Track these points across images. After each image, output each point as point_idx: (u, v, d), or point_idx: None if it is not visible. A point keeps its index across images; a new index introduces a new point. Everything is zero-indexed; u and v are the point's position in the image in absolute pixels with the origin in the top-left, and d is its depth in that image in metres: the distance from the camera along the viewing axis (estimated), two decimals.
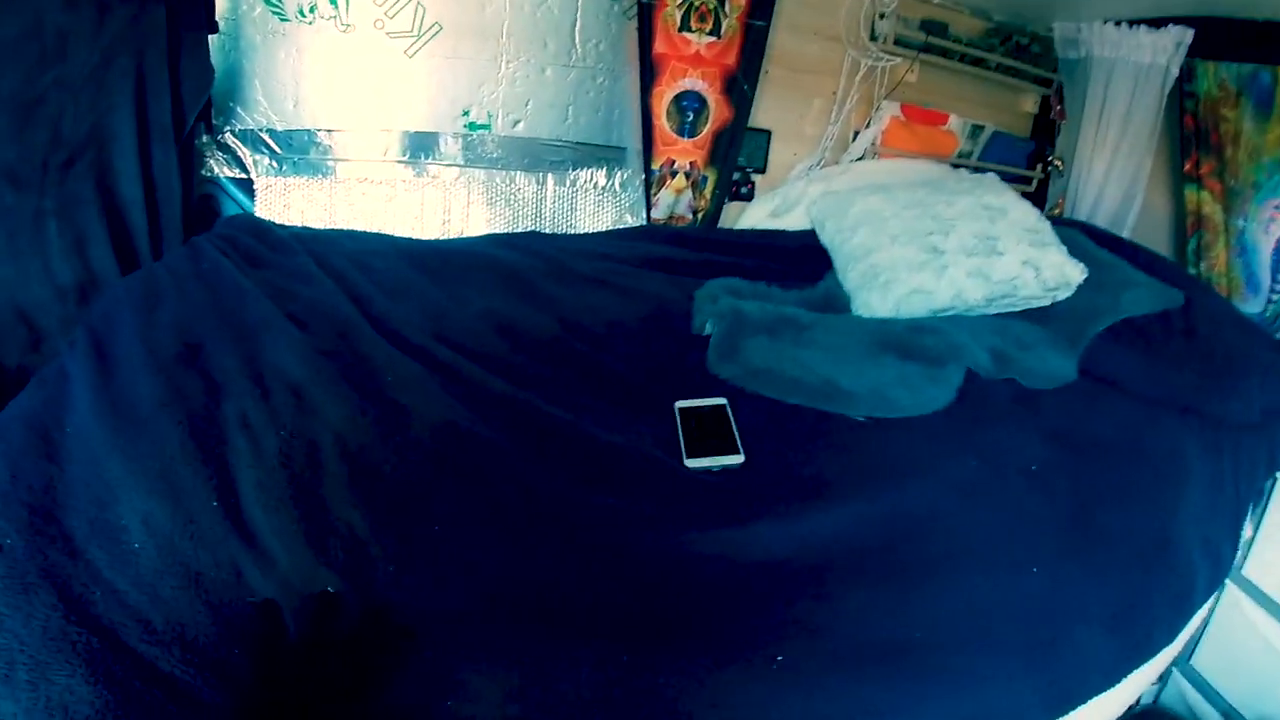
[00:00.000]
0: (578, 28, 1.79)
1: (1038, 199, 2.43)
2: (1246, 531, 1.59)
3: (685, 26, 1.82)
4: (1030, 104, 2.34)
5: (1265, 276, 1.91)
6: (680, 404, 1.23)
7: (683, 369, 1.32)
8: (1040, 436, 1.24)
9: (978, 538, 1.03)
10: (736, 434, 1.14)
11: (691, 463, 1.10)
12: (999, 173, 2.21)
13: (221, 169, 1.69)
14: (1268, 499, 1.55)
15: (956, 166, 2.21)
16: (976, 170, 2.15)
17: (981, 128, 2.26)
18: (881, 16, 1.95)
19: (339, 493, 0.85)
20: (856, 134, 2.07)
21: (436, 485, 0.90)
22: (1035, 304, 1.62)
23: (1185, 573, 1.26)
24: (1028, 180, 2.40)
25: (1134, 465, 1.27)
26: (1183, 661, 1.74)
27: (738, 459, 1.10)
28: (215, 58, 1.62)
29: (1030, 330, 1.53)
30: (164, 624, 0.71)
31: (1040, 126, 2.39)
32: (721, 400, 1.23)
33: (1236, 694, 1.62)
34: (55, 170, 1.34)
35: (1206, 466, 1.37)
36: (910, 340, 1.38)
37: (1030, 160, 2.38)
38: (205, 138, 1.68)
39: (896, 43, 2.01)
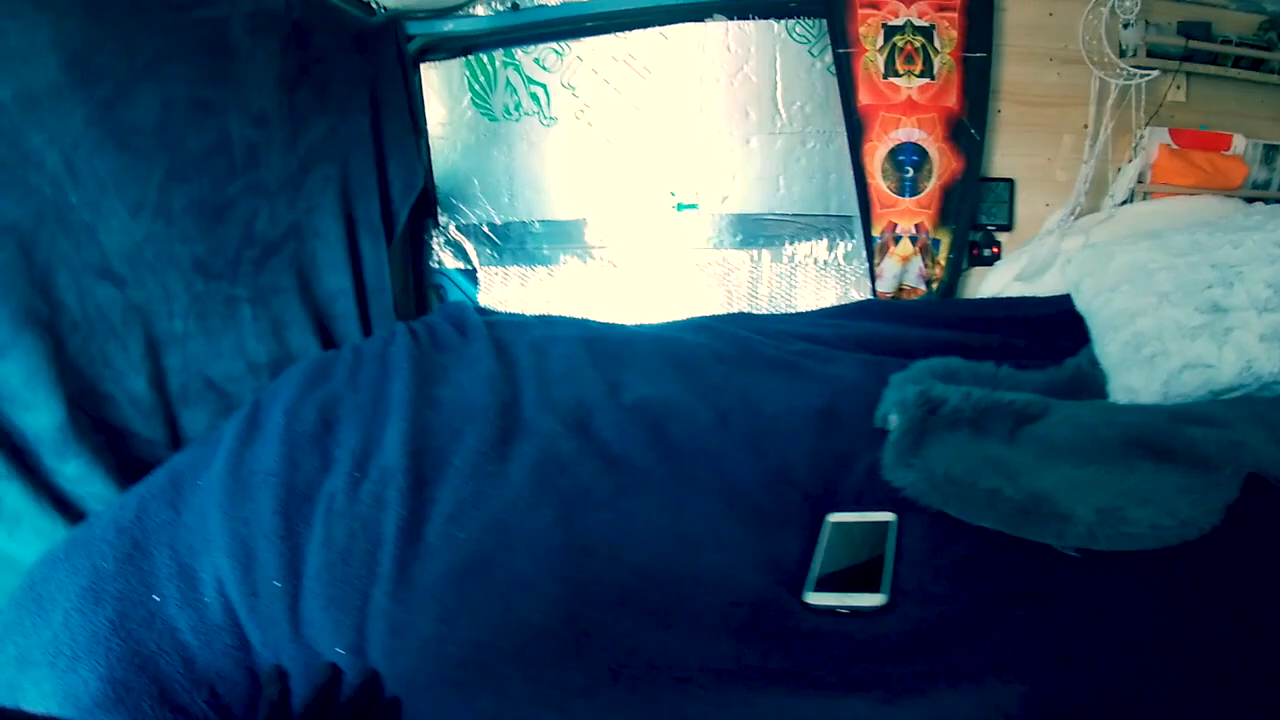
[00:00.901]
0: (778, 92, 1.84)
1: None
2: None
3: (891, 71, 1.76)
4: None
5: None
6: (832, 517, 1.06)
7: (850, 475, 1.15)
8: None
9: None
10: (889, 565, 0.92)
11: (812, 598, 0.90)
12: None
13: (449, 261, 2.12)
14: None
15: (1252, 200, 1.89)
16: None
17: (1276, 148, 1.95)
18: (1126, 25, 1.77)
19: (384, 590, 0.92)
20: (1119, 171, 1.87)
21: (480, 594, 0.90)
22: None
23: None
24: None
25: None
26: None
27: (877, 599, 0.87)
28: (436, 159, 2.02)
29: None
30: (202, 669, 0.87)
31: None
32: (888, 516, 1.02)
33: None
34: (249, 263, 1.66)
35: None
36: (1173, 434, 1.07)
37: None
38: (432, 233, 2.12)
39: (1151, 54, 1.80)
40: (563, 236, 2.03)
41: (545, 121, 1.95)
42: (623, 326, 1.79)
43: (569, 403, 1.34)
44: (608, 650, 0.83)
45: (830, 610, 0.88)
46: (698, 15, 1.86)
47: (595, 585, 0.93)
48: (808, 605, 0.90)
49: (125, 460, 1.45)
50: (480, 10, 1.94)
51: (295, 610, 0.95)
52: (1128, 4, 1.78)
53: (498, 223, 2.05)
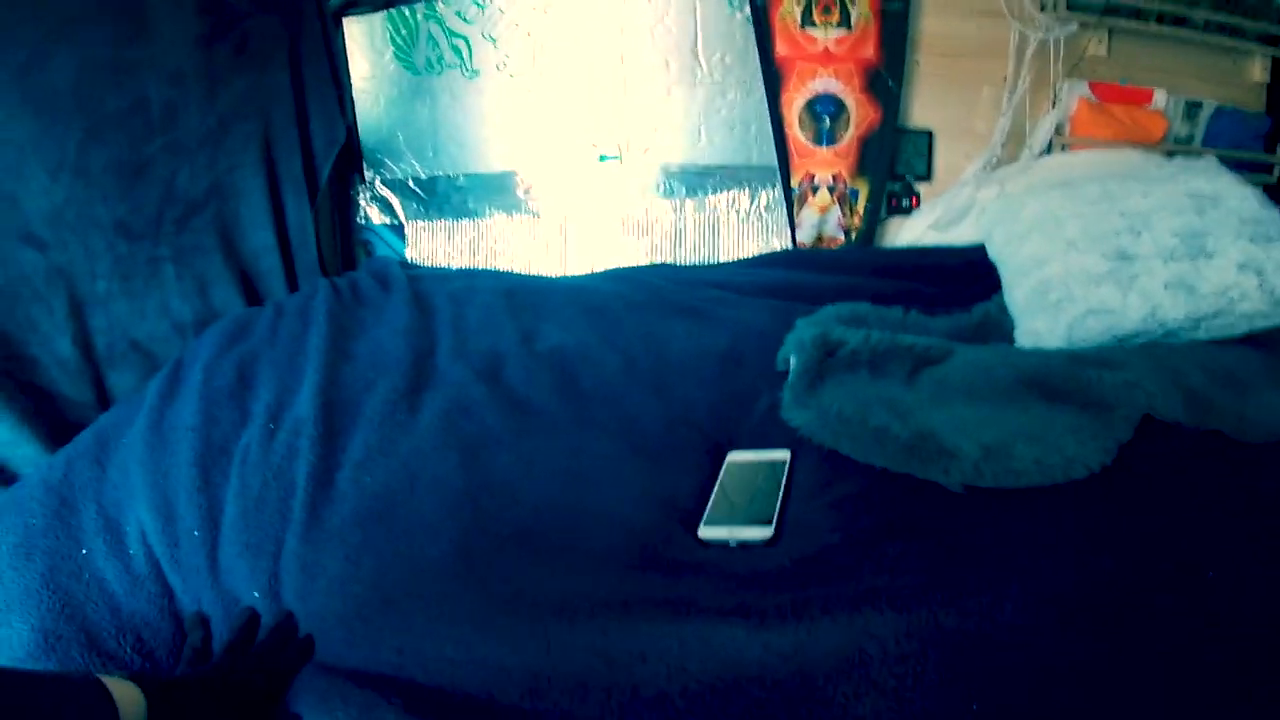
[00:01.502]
0: (698, 43, 1.92)
1: None
2: None
3: (808, 21, 1.86)
4: (1259, 71, 2.15)
5: None
6: (733, 455, 1.16)
7: (750, 414, 1.27)
8: (1238, 525, 0.93)
9: (1088, 683, 0.75)
10: (779, 501, 1.01)
11: (706, 531, 1.00)
12: (1227, 159, 1.99)
13: (375, 216, 2.23)
14: None
15: (1172, 155, 2.01)
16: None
17: (1199, 104, 2.07)
18: None
19: (296, 534, 1.02)
20: (1038, 123, 1.97)
21: (385, 535, 0.99)
22: (1261, 324, 1.38)
23: None
24: (1268, 168, 2.16)
25: None
26: None
27: (763, 533, 0.95)
28: (361, 115, 2.08)
29: (1251, 361, 1.30)
30: (128, 617, 0.97)
31: (1277, 99, 2.19)
32: (784, 454, 1.12)
33: None
34: (170, 223, 1.74)
35: None
36: (1071, 376, 1.15)
37: (1268, 142, 2.18)
38: (359, 188, 2.22)
39: (1072, 7, 1.89)
40: (488, 189, 2.12)
41: (467, 74, 2.04)
42: (543, 278, 1.88)
43: (482, 352, 1.44)
44: (502, 585, 0.92)
45: (721, 544, 0.97)
46: None
47: (493, 524, 1.02)
48: (699, 539, 0.98)
49: (53, 423, 1.54)
50: None
51: (214, 558, 1.04)
52: None
53: (423, 177, 2.15)
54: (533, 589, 0.90)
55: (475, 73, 2.05)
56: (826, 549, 0.92)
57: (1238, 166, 2.05)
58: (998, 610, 0.80)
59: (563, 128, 2.06)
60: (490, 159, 2.13)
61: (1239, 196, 1.51)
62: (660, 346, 1.43)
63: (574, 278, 1.88)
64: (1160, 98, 2.02)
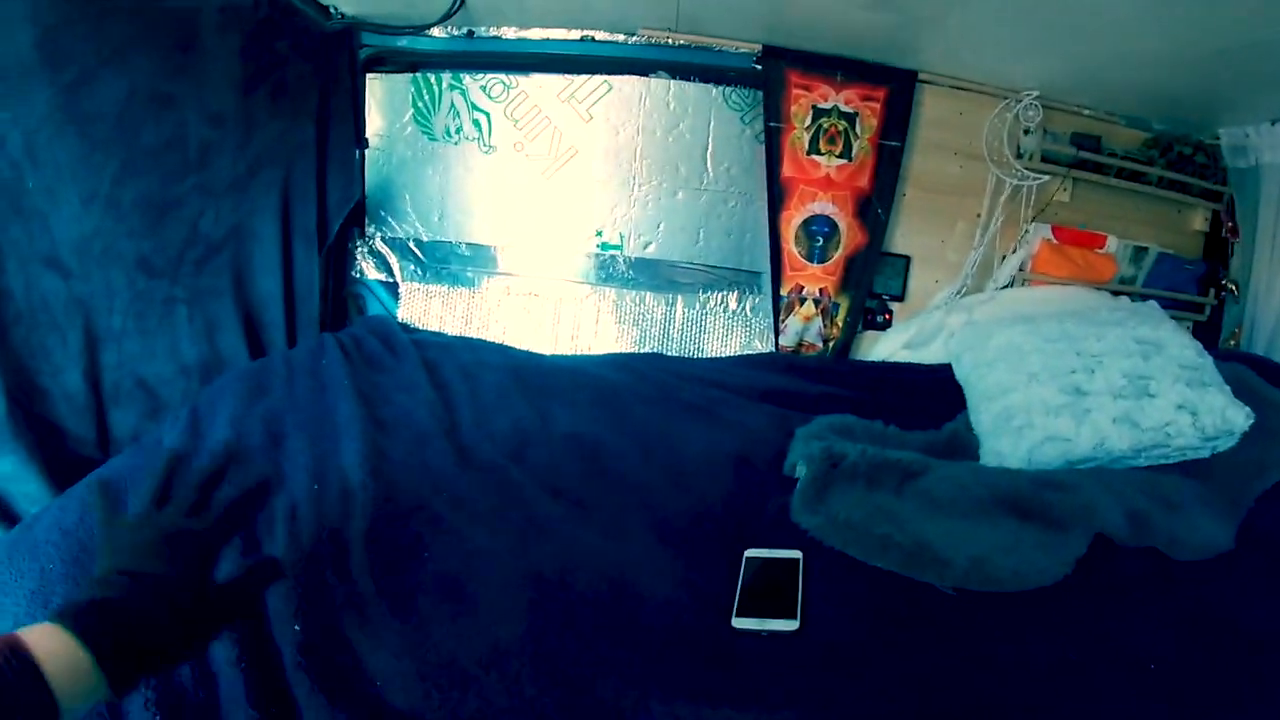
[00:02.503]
0: (709, 152, 2.25)
1: (1212, 329, 2.61)
2: None
3: (814, 149, 2.18)
4: (1199, 221, 2.58)
5: None
6: (750, 553, 1.36)
7: (763, 515, 1.49)
8: (1173, 623, 1.27)
9: None
10: (800, 595, 1.25)
11: (739, 622, 1.22)
12: (1166, 299, 2.42)
13: (370, 272, 2.44)
14: None
15: (1118, 294, 2.42)
16: (1142, 298, 2.37)
17: (1145, 250, 2.50)
18: (1027, 132, 2.24)
19: (354, 598, 1.14)
20: (1004, 259, 2.35)
21: (451, 612, 1.15)
22: (1191, 455, 1.71)
23: None
24: (1199, 308, 2.60)
25: None
26: None
27: (791, 624, 1.21)
28: (369, 170, 2.28)
29: (1183, 488, 1.61)
30: None
31: (1212, 246, 2.61)
32: (795, 554, 1.36)
33: None
34: (190, 263, 1.86)
35: None
36: (1033, 497, 1.47)
37: (1202, 284, 2.60)
38: (358, 242, 2.41)
39: (1045, 159, 2.27)
40: (489, 261, 2.38)
41: (484, 149, 2.31)
42: (544, 356, 2.11)
43: (504, 432, 1.62)
44: (569, 665, 1.10)
45: (755, 634, 1.20)
46: (643, 70, 2.24)
47: (552, 605, 1.19)
48: (734, 629, 1.20)
49: (56, 459, 1.58)
50: (437, 32, 2.23)
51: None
52: (1030, 113, 2.23)
53: (425, 240, 2.38)
54: (592, 668, 1.09)
55: (492, 148, 2.32)
56: (848, 638, 1.20)
57: (1175, 306, 2.52)
58: (991, 687, 1.12)
59: (570, 213, 2.33)
60: (496, 233, 2.38)
61: (1179, 344, 1.84)
62: (675, 442, 1.66)
63: (574, 359, 2.11)
64: (1112, 243, 2.43)
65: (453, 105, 2.32)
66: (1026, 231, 2.34)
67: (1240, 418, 1.71)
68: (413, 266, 2.43)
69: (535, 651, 1.12)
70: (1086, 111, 2.40)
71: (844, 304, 2.31)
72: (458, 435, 1.61)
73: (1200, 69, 2.00)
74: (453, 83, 2.31)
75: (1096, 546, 1.40)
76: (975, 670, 1.15)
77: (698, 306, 2.37)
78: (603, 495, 1.47)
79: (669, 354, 2.34)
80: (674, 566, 1.32)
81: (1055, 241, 2.38)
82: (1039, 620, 1.25)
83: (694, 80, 2.25)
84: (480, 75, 2.30)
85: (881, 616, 1.24)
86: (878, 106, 2.21)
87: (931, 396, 1.96)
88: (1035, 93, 2.24)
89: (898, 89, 2.21)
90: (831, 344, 2.35)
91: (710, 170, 2.28)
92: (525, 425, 1.66)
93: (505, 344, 2.22)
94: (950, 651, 1.18)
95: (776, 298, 2.28)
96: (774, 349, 2.33)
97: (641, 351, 2.29)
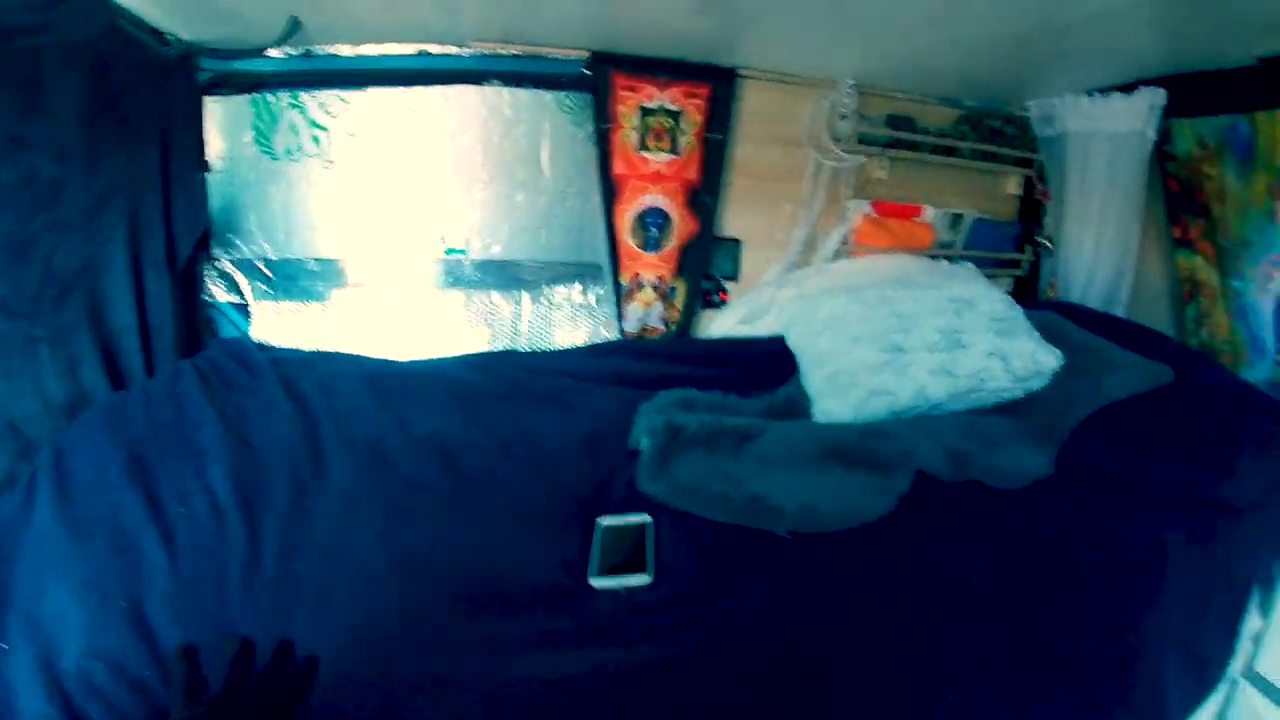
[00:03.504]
0: (545, 154, 2.46)
1: (1031, 282, 3.04)
2: (1255, 623, 1.86)
3: (643, 146, 2.42)
4: (1013, 186, 3.01)
5: (1269, 338, 2.39)
6: (603, 521, 1.56)
7: (613, 488, 1.68)
8: (992, 544, 1.51)
9: (887, 664, 1.29)
10: (650, 553, 1.45)
11: (597, 582, 1.41)
12: (985, 259, 2.84)
13: (221, 295, 2.52)
14: (1278, 587, 1.83)
15: (939, 259, 2.76)
16: (962, 260, 2.76)
17: (960, 216, 2.88)
18: (843, 118, 2.52)
19: (237, 608, 1.30)
20: (828, 236, 2.66)
21: (321, 608, 1.31)
22: (1007, 396, 1.99)
23: (1153, 688, 1.46)
24: (1016, 264, 3.06)
25: (1101, 571, 1.51)
26: None
27: (644, 579, 1.41)
28: (213, 192, 2.34)
29: (1001, 426, 1.88)
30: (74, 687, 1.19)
31: (1027, 208, 3.07)
32: (644, 518, 1.57)
33: None
34: (48, 301, 1.92)
35: (1194, 563, 1.62)
36: (860, 446, 1.70)
37: (1019, 243, 3.05)
38: (206, 265, 2.47)
39: (862, 141, 2.55)
40: (338, 274, 2.54)
41: (326, 165, 2.47)
42: (399, 363, 2.24)
43: (364, 438, 1.76)
44: (439, 639, 1.27)
45: (612, 591, 1.38)
46: (477, 79, 2.44)
47: (420, 591, 1.37)
48: (592, 587, 1.37)
49: None
50: (274, 52, 2.36)
51: (143, 633, 1.28)
52: (845, 101, 2.50)
53: (273, 258, 2.51)
54: (457, 641, 1.26)
55: (333, 163, 2.48)
56: (692, 586, 1.40)
57: (997, 264, 2.91)
58: (823, 615, 1.35)
59: (415, 221, 2.51)
60: (342, 246, 2.52)
61: (989, 300, 2.14)
62: (528, 433, 1.83)
63: (429, 363, 2.26)
64: (929, 212, 2.78)
65: (292, 123, 2.47)
66: (847, 209, 2.66)
67: (1050, 359, 2.00)
68: (262, 286, 2.54)
69: (403, 631, 1.28)
70: (900, 95, 2.73)
71: (681, 288, 2.59)
72: (319, 447, 1.74)
73: (1004, 52, 2.29)
74: (291, 101, 2.45)
75: (923, 485, 1.64)
76: (808, 601, 1.36)
77: (544, 302, 2.61)
78: (464, 490, 1.64)
79: (520, 350, 2.54)
80: (535, 544, 1.51)
81: (875, 215, 2.69)
82: (867, 552, 1.47)
83: (527, 87, 2.47)
84: (319, 92, 2.45)
85: (723, 563, 1.46)
86: (701, 103, 2.47)
87: (767, 365, 2.20)
88: (850, 81, 2.53)
89: (719, 86, 2.47)
90: (673, 326, 2.61)
91: (547, 171, 2.53)
92: (384, 431, 1.80)
93: (360, 354, 2.36)
94: (785, 586, 1.39)
95: (617, 287, 2.52)
96: (620, 335, 2.57)
97: (494, 350, 2.48)
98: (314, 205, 2.54)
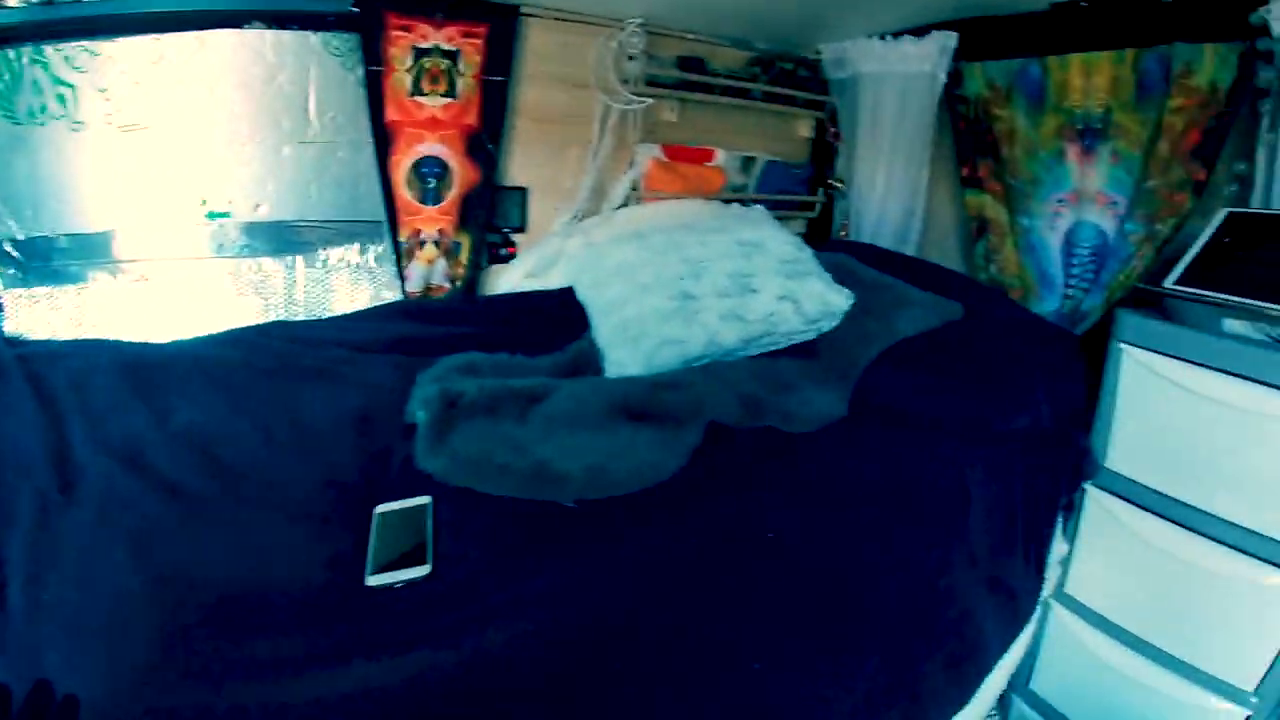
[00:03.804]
0: (312, 102, 2.32)
1: (825, 223, 3.14)
2: (1061, 548, 2.01)
3: (417, 90, 2.30)
4: (805, 129, 3.08)
5: (1058, 272, 2.56)
6: (380, 508, 1.43)
7: (390, 470, 1.57)
8: (788, 495, 1.48)
9: (686, 634, 1.22)
10: (430, 540, 1.35)
11: (373, 579, 1.28)
12: (779, 201, 2.88)
13: None
14: (1079, 509, 1.98)
15: (731, 202, 2.79)
16: (754, 203, 2.77)
17: (753, 159, 2.92)
18: (631, 58, 2.48)
19: None
20: (617, 181, 2.63)
21: (74, 642, 1.18)
22: (800, 338, 2.01)
23: (965, 630, 1.48)
24: (810, 206, 3.16)
25: (901, 512, 1.52)
26: (1021, 686, 2.13)
27: (423, 570, 1.30)
28: None
29: (792, 368, 1.90)
30: None
31: (819, 150, 3.16)
32: (424, 500, 1.46)
33: (1079, 713, 2.04)
34: None
35: (992, 496, 1.68)
36: (650, 399, 1.65)
37: (810, 185, 3.15)
38: None
39: (650, 83, 2.51)
40: (92, 250, 2.35)
41: (73, 126, 2.28)
42: (159, 346, 2.07)
43: (120, 438, 1.61)
44: (199, 667, 1.14)
45: (388, 587, 1.26)
46: (236, 22, 2.29)
47: (178, 613, 1.22)
48: (369, 588, 1.25)
49: None
50: (12, 1, 2.13)
51: None
52: (635, 40, 2.46)
53: (20, 238, 2.31)
54: (223, 669, 1.14)
55: (81, 124, 2.28)
56: (476, 572, 1.29)
57: (789, 206, 2.97)
58: (618, 589, 1.27)
59: (172, 184, 2.35)
60: (94, 218, 2.33)
61: (779, 242, 2.16)
62: (295, 414, 1.71)
63: (192, 342, 2.11)
64: (720, 155, 2.79)
65: (35, 82, 2.28)
66: (636, 153, 2.64)
67: (840, 299, 2.04)
68: (12, 271, 2.34)
69: (163, 659, 1.17)
70: (691, 35, 2.71)
71: (465, 242, 2.51)
72: (69, 453, 1.60)
73: None
74: (34, 56, 2.26)
75: (717, 436, 1.61)
76: (601, 575, 1.29)
77: (319, 265, 2.49)
78: (224, 487, 1.52)
79: (292, 320, 2.42)
80: (305, 542, 1.39)
81: (665, 159, 2.69)
82: (661, 514, 1.42)
83: (291, 28, 2.35)
84: (63, 44, 2.26)
85: (508, 543, 1.36)
86: (480, 43, 2.39)
87: (557, 320, 2.16)
88: (638, 20, 2.49)
89: (499, 24, 2.39)
90: (459, 283, 2.52)
91: (315, 121, 2.41)
92: (140, 427, 1.67)
93: (120, 340, 2.20)
94: (575, 563, 1.31)
95: (396, 245, 2.43)
96: (403, 296, 2.46)
97: (262, 323, 2.34)
98: (63, 174, 2.34)
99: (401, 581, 1.31)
